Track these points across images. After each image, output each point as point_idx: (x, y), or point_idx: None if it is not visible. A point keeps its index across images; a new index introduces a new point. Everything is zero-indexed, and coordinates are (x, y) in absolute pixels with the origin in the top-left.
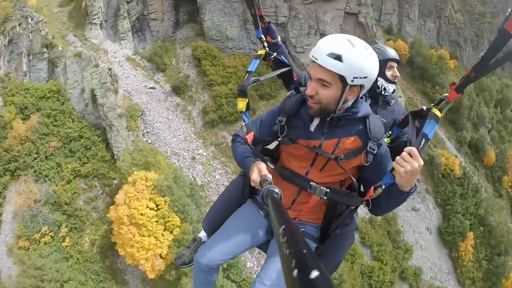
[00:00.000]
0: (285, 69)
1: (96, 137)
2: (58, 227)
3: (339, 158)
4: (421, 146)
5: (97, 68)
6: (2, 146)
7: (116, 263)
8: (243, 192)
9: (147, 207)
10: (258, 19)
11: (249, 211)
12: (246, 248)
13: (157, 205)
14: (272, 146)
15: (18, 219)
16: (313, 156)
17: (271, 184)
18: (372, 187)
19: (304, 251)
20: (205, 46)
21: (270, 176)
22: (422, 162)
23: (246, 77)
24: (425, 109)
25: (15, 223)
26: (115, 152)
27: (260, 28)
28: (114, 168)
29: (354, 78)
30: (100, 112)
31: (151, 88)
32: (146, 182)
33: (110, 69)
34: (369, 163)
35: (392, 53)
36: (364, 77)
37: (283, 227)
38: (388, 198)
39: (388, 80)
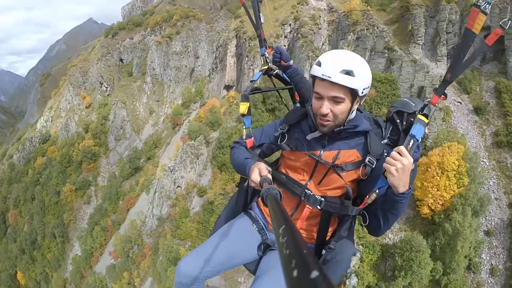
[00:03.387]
0: (287, 86)
1: None
2: None
3: (338, 167)
4: (410, 145)
5: (428, 73)
6: None
7: None
8: (237, 203)
9: None
10: (263, 40)
11: (241, 224)
12: (233, 263)
13: None
14: (270, 160)
15: None
16: (312, 167)
17: (271, 184)
18: (367, 196)
19: (304, 251)
20: (506, 83)
21: (270, 176)
22: (411, 159)
23: (249, 85)
24: (412, 119)
25: None
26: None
27: (265, 47)
28: None
29: (363, 89)
30: None
31: (458, 102)
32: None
33: (441, 76)
34: (366, 176)
35: (430, 109)
36: (369, 86)
37: (283, 227)
38: (383, 206)
39: None
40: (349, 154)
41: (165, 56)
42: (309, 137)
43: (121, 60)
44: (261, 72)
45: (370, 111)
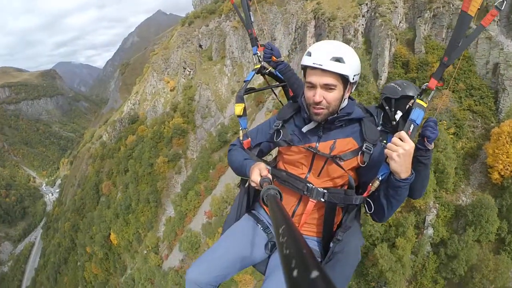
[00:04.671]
0: (280, 84)
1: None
2: None
3: (336, 157)
4: (410, 130)
5: (502, 49)
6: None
7: None
8: (239, 204)
9: None
10: (254, 39)
11: (246, 225)
12: (242, 265)
13: None
14: (268, 158)
15: None
16: (310, 159)
17: (271, 184)
18: (370, 184)
19: (304, 251)
20: None
21: (270, 176)
22: (413, 144)
23: (243, 86)
24: (410, 105)
25: None
26: (500, 107)
27: (256, 46)
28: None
29: (354, 76)
30: (498, 79)
31: None
32: None
33: None
34: (365, 163)
35: (417, 91)
36: (359, 73)
37: (283, 227)
38: (386, 192)
39: None
40: (345, 143)
41: (242, 40)
42: (304, 129)
43: (200, 46)
44: (254, 72)
45: (447, 87)
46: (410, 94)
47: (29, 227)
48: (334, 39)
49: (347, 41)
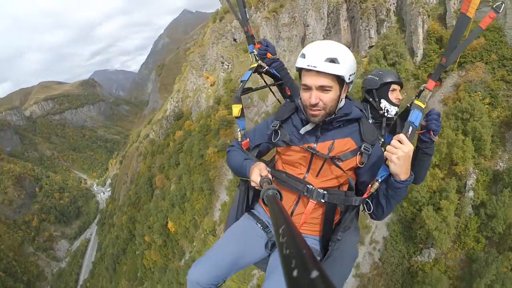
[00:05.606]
0: (277, 82)
1: None
2: None
3: (334, 158)
4: (409, 133)
5: None
6: None
7: None
8: (239, 204)
9: None
10: (250, 37)
11: (245, 224)
12: (243, 264)
13: None
14: (267, 158)
15: None
16: (308, 160)
17: (271, 184)
18: (369, 185)
19: (304, 251)
20: None
21: (270, 176)
22: (412, 147)
23: (240, 86)
24: (409, 106)
25: None
26: None
27: (253, 44)
28: None
29: (350, 75)
30: None
31: None
32: None
33: None
34: (364, 164)
35: (394, 76)
36: (354, 72)
37: (283, 227)
38: (386, 193)
39: (392, 103)
40: (343, 143)
41: (275, 29)
42: (302, 131)
43: (234, 39)
44: (251, 71)
45: (481, 59)
46: (388, 80)
47: (84, 225)
48: (367, 20)
49: (380, 22)
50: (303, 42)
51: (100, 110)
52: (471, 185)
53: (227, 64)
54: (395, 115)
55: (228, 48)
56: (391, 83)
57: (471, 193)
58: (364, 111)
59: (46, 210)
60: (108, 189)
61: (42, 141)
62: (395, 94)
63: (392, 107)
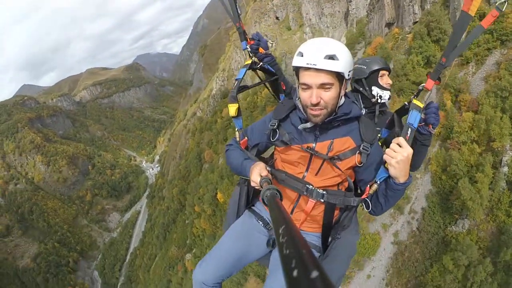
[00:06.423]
0: (273, 78)
1: None
2: None
3: (333, 158)
4: (408, 135)
5: None
6: None
7: None
8: (239, 202)
9: None
10: (243, 33)
11: (246, 222)
12: (246, 262)
13: None
14: (266, 155)
15: None
16: (307, 159)
17: (271, 184)
18: (368, 185)
19: (304, 251)
20: None
21: (270, 176)
22: (411, 150)
23: (234, 84)
24: (407, 104)
25: None
26: None
27: (246, 40)
28: None
29: (349, 72)
30: None
31: None
32: None
33: None
34: (363, 163)
35: (381, 62)
36: (352, 68)
37: (283, 227)
38: (385, 193)
39: (383, 88)
40: (342, 142)
41: (318, 6)
42: (300, 127)
43: (276, 17)
44: (245, 68)
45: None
46: (376, 67)
47: (134, 198)
48: None
49: None
50: (346, 18)
51: (146, 91)
52: (506, 161)
53: (271, 42)
54: (388, 99)
55: (271, 26)
56: (379, 69)
57: (505, 169)
58: (355, 101)
59: (99, 185)
60: (157, 165)
61: (92, 123)
62: (384, 79)
63: (385, 91)
